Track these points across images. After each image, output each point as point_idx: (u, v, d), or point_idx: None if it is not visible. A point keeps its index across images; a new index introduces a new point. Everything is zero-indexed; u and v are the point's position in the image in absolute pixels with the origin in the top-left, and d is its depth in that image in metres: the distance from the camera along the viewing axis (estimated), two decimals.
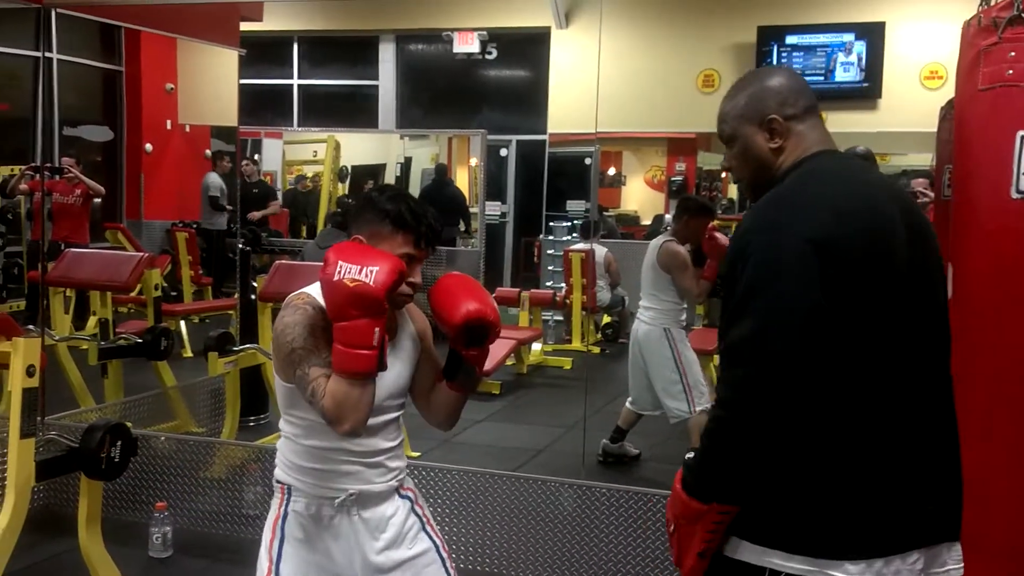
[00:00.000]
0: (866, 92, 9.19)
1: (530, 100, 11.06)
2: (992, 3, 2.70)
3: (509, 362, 7.84)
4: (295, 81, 11.94)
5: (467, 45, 11.02)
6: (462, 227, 10.22)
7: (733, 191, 11.80)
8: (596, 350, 9.14)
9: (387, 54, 11.68)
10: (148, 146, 10.80)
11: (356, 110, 12.00)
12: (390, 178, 11.56)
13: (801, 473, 1.74)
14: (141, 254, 6.76)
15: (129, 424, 3.94)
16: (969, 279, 2.65)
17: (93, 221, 8.96)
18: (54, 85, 8.90)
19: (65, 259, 6.22)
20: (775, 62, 9.59)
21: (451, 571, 2.34)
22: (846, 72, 9.43)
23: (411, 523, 2.31)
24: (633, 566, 4.00)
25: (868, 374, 1.73)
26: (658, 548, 3.96)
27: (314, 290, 2.16)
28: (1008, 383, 2.58)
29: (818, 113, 1.95)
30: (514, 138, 11.23)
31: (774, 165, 1.91)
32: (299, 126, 11.91)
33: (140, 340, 5.56)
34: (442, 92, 11.61)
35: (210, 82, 10.24)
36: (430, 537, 2.34)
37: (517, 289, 9.23)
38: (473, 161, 11.24)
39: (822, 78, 9.52)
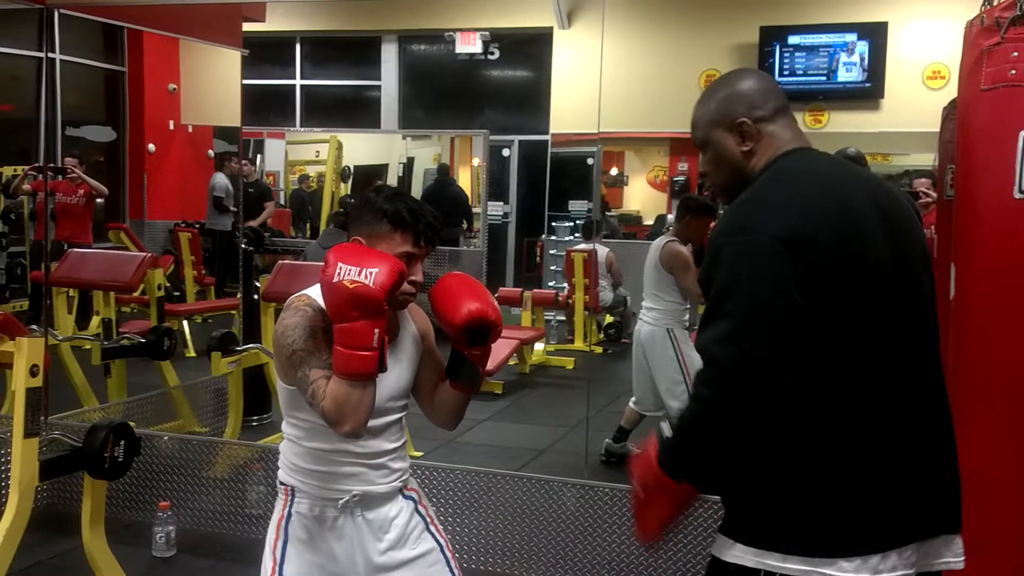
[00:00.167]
0: (868, 92, 9.20)
1: (532, 100, 11.07)
2: (995, 3, 2.70)
3: (512, 362, 7.85)
4: (298, 81, 11.96)
5: (469, 45, 11.04)
6: (465, 227, 10.22)
7: None
8: (599, 350, 9.15)
9: (390, 54, 11.70)
10: (151, 146, 10.80)
11: (359, 110, 12.02)
12: (392, 178, 11.57)
13: (791, 472, 1.74)
14: (144, 254, 6.77)
15: (132, 424, 3.93)
16: (972, 279, 2.65)
17: (96, 221, 8.97)
18: (57, 86, 8.92)
19: (68, 259, 6.23)
20: (777, 62, 9.61)
21: (455, 571, 2.34)
22: (848, 72, 9.44)
23: (415, 523, 2.31)
24: (635, 566, 4.00)
25: (852, 370, 1.73)
26: (662, 547, 3.96)
27: (314, 292, 2.16)
28: (1011, 381, 2.58)
29: (789, 112, 1.95)
30: (516, 138, 11.24)
31: (746, 168, 1.92)
32: (302, 126, 11.93)
33: (143, 340, 5.57)
34: (444, 92, 11.62)
35: (213, 82, 10.25)
36: (434, 537, 2.34)
37: (520, 289, 9.24)
38: (475, 161, 11.26)
39: (824, 78, 9.54)
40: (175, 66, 10.93)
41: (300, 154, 11.94)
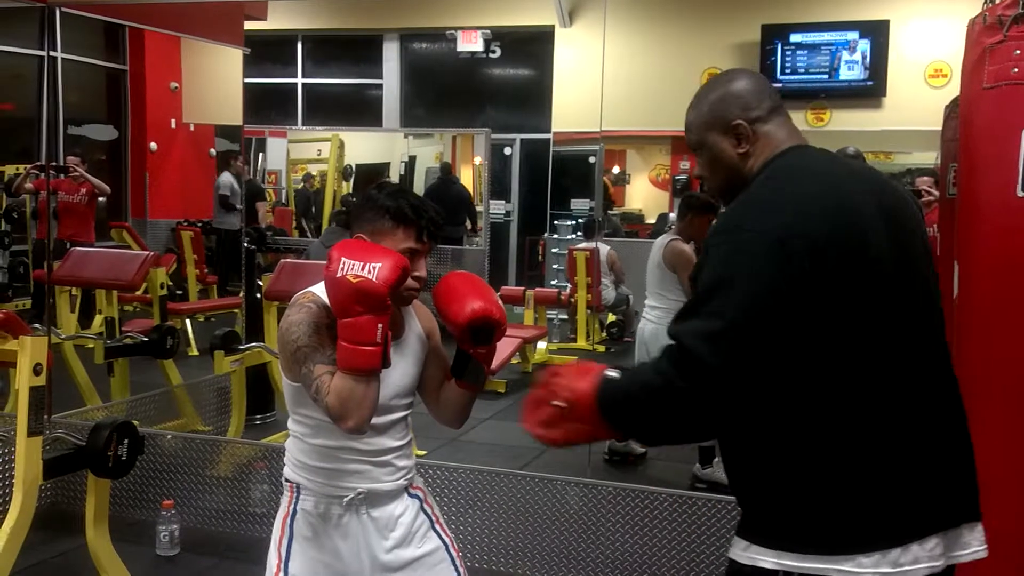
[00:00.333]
0: (870, 90, 9.20)
1: (534, 99, 11.07)
2: (997, 1, 2.70)
3: (514, 360, 7.84)
4: (299, 80, 11.96)
5: (471, 44, 11.04)
6: (468, 226, 10.21)
7: None
8: (601, 349, 9.14)
9: (391, 53, 11.70)
10: (153, 145, 10.82)
11: (360, 109, 12.02)
12: (394, 177, 11.57)
13: (804, 471, 1.74)
14: (146, 253, 6.78)
15: (136, 422, 3.94)
16: (975, 277, 2.65)
17: (98, 220, 8.98)
18: (59, 84, 8.93)
19: (71, 258, 6.23)
20: (779, 61, 9.61)
21: (461, 570, 2.35)
22: (850, 70, 9.43)
23: (420, 522, 2.31)
24: (639, 564, 4.01)
25: (860, 366, 1.73)
26: (664, 546, 3.97)
27: (319, 289, 2.17)
28: (1014, 379, 2.58)
29: (784, 110, 1.94)
30: (518, 137, 11.24)
31: (743, 169, 1.91)
32: (303, 125, 11.94)
33: (146, 339, 5.58)
34: (446, 91, 11.62)
35: (214, 81, 10.27)
36: (439, 536, 2.34)
37: (522, 288, 9.24)
38: (477, 160, 11.25)
39: (826, 76, 9.53)
40: (177, 64, 10.95)
41: (302, 153, 11.94)
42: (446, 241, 9.20)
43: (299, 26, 11.66)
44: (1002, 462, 2.55)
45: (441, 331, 2.40)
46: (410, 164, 11.69)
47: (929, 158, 7.53)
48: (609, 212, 11.29)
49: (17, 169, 8.97)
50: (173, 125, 11.07)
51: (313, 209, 11.59)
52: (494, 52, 11.19)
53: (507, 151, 11.29)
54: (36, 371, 3.50)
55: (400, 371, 2.24)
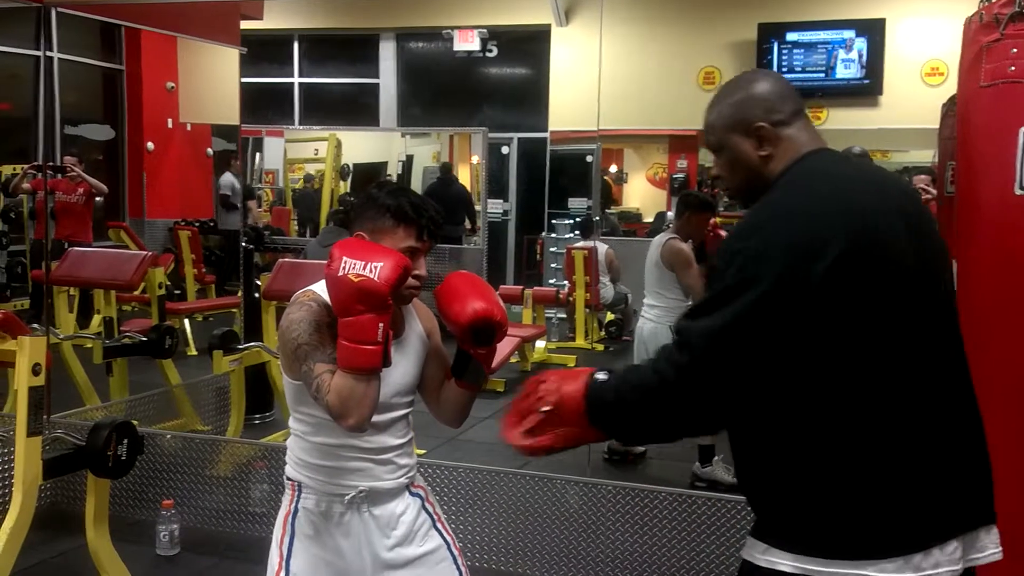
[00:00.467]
0: (867, 89, 9.21)
1: (531, 98, 11.07)
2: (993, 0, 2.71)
3: (513, 359, 7.84)
4: (296, 79, 11.95)
5: (467, 43, 11.04)
6: (468, 225, 10.21)
7: None
8: (600, 348, 9.15)
9: (388, 52, 11.69)
10: (150, 145, 10.81)
11: (357, 108, 12.01)
12: (391, 176, 11.57)
13: (827, 475, 1.74)
14: (144, 252, 6.78)
15: (135, 422, 3.95)
16: (972, 275, 2.66)
17: (96, 220, 8.97)
18: (55, 84, 8.91)
19: (68, 258, 6.23)
20: (776, 59, 9.61)
21: (462, 568, 2.36)
22: (847, 69, 9.44)
23: (422, 520, 2.32)
24: (639, 563, 4.01)
25: (881, 369, 1.72)
26: (664, 545, 3.97)
27: (320, 287, 2.18)
28: (1012, 377, 2.59)
29: (805, 113, 1.93)
30: (515, 136, 11.24)
31: (764, 172, 1.90)
32: (300, 124, 11.93)
33: (144, 338, 5.58)
34: (443, 90, 11.62)
35: (211, 81, 10.26)
36: (441, 534, 2.35)
37: (520, 287, 9.24)
38: (475, 159, 11.26)
39: (823, 75, 9.54)
40: (173, 64, 10.94)
41: (299, 152, 11.93)
42: (445, 240, 9.20)
43: (295, 26, 11.65)
44: (1000, 459, 2.55)
45: (440, 330, 2.41)
46: (407, 163, 11.69)
47: (926, 156, 7.54)
48: (607, 211, 11.29)
49: (14, 169, 8.96)
50: (170, 125, 11.05)
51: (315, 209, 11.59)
52: (491, 51, 11.19)
53: (504, 150, 11.29)
54: (35, 371, 3.50)
55: (401, 369, 2.24)
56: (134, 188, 10.75)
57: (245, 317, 6.46)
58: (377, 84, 11.72)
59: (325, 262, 2.05)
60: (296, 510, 2.26)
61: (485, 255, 9.19)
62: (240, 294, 7.09)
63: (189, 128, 11.21)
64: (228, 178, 10.43)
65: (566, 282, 9.27)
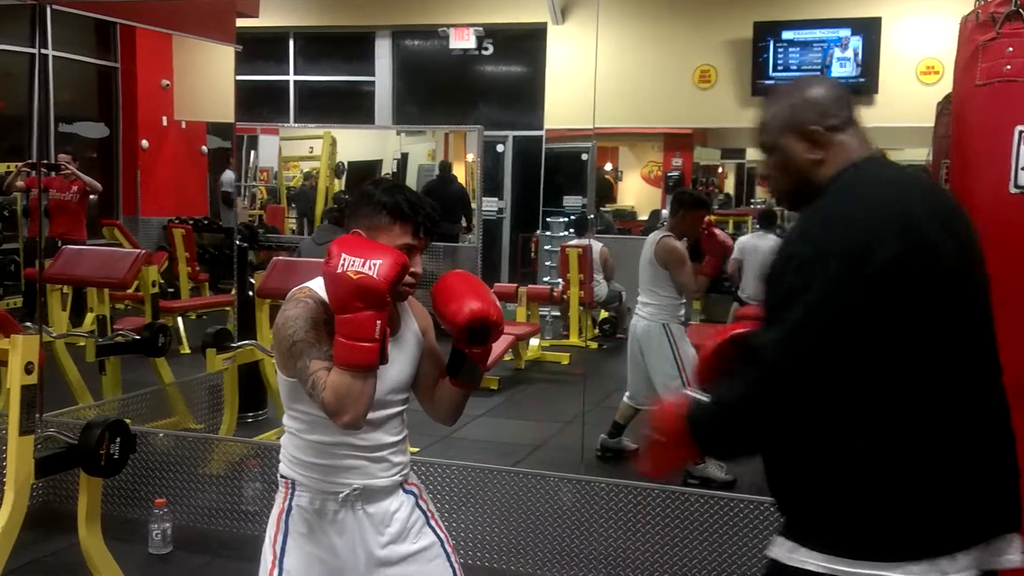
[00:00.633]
0: (862, 87, 9.20)
1: (526, 96, 11.07)
2: None
3: (507, 357, 7.85)
4: (291, 77, 11.93)
5: (463, 41, 11.03)
6: (464, 223, 10.21)
7: (730, 186, 11.82)
8: (594, 345, 9.16)
9: (383, 50, 11.68)
10: (144, 142, 10.81)
11: (352, 106, 12.00)
12: (386, 174, 11.57)
13: (861, 476, 1.75)
14: (138, 250, 6.77)
15: (128, 421, 3.94)
16: None
17: (90, 218, 8.97)
18: (50, 82, 8.91)
19: (62, 256, 6.22)
20: (771, 58, 9.62)
21: (455, 565, 2.35)
22: (842, 67, 9.45)
23: (415, 517, 2.31)
24: (632, 560, 4.01)
25: (923, 374, 1.74)
26: (657, 542, 3.97)
27: (316, 284, 2.17)
28: (1007, 377, 2.58)
29: (858, 122, 1.94)
30: (511, 134, 11.23)
31: (815, 176, 1.90)
32: (295, 122, 11.91)
33: (138, 337, 5.57)
34: (438, 88, 11.61)
35: (206, 78, 10.26)
36: (435, 531, 2.34)
37: (515, 284, 9.24)
38: (470, 157, 11.25)
39: (818, 73, 9.53)
40: (168, 62, 10.94)
41: (294, 150, 11.93)
42: (443, 238, 9.21)
43: (291, 23, 11.63)
44: None
45: (435, 328, 2.41)
46: (402, 161, 11.69)
47: (921, 154, 7.54)
48: (601, 209, 11.30)
49: (8, 167, 8.94)
50: (165, 123, 11.06)
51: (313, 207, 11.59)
52: (486, 49, 11.18)
53: (500, 148, 11.28)
54: (28, 370, 3.49)
55: (397, 367, 2.24)
56: (128, 186, 10.75)
57: (239, 315, 6.45)
58: (372, 82, 11.71)
59: (319, 260, 2.05)
60: (290, 508, 2.25)
61: (480, 253, 9.18)
62: (234, 292, 7.08)
63: (184, 126, 11.22)
64: (229, 175, 10.44)
65: (560, 280, 9.28)
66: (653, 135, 11.25)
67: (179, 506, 4.52)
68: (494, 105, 11.35)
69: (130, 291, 7.19)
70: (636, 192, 11.83)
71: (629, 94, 9.61)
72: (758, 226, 8.80)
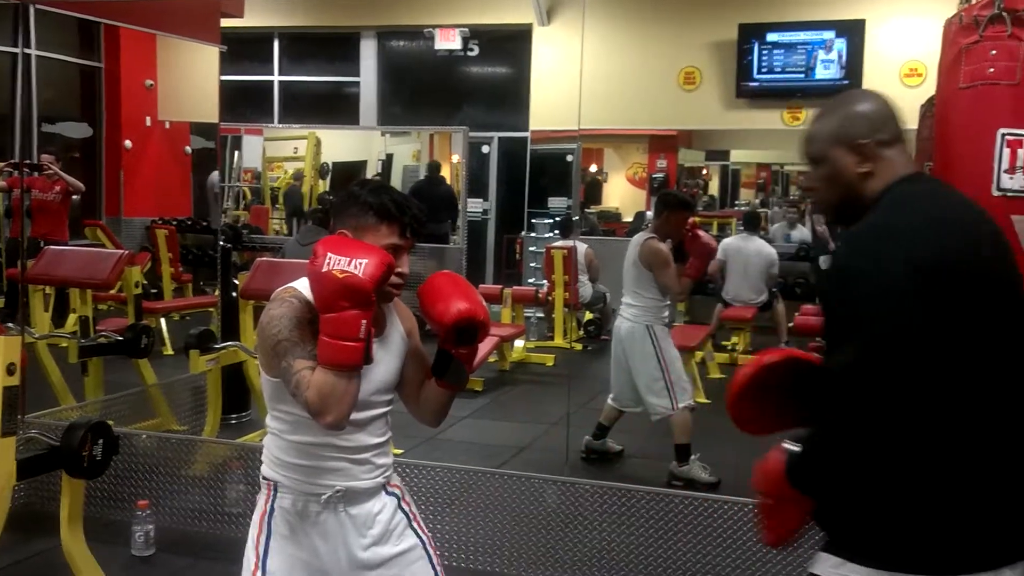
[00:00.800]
0: (846, 89, 9.23)
1: (512, 97, 11.07)
2: (973, 1, 2.72)
3: (492, 359, 7.85)
4: (276, 77, 11.90)
5: (449, 42, 11.02)
6: (451, 224, 10.18)
7: (714, 188, 11.85)
8: (578, 347, 9.17)
9: (368, 51, 11.67)
10: (127, 143, 10.75)
11: (337, 107, 11.98)
12: (371, 175, 11.53)
13: (910, 491, 1.75)
14: (121, 251, 6.73)
15: (110, 422, 3.92)
16: None
17: (72, 218, 8.91)
18: (32, 81, 8.85)
19: (44, 256, 6.18)
20: (756, 60, 9.66)
21: (438, 567, 2.35)
22: (826, 69, 9.49)
23: (398, 520, 2.31)
24: (617, 561, 4.01)
25: (968, 391, 1.74)
26: (641, 543, 3.97)
27: (300, 284, 2.17)
28: None
29: (904, 139, 1.95)
30: (496, 135, 11.23)
31: (862, 190, 1.90)
32: (280, 123, 11.88)
33: (120, 338, 5.54)
34: (424, 89, 11.60)
35: (190, 78, 10.21)
36: (417, 534, 2.34)
37: (499, 286, 9.24)
38: (455, 158, 11.24)
39: (802, 75, 9.59)
40: (152, 62, 10.88)
41: (278, 150, 11.88)
42: (431, 239, 9.20)
43: (276, 23, 11.60)
44: None
45: (420, 329, 2.40)
46: (387, 162, 11.65)
47: None
48: (586, 210, 11.31)
49: None
50: (148, 123, 11.00)
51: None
52: (472, 50, 11.18)
53: (485, 149, 11.28)
54: (9, 371, 3.47)
55: (382, 368, 2.23)
56: (111, 186, 10.69)
57: (222, 316, 6.42)
58: (357, 82, 11.70)
59: (304, 261, 2.04)
60: (272, 509, 2.24)
61: (465, 254, 9.18)
62: (217, 293, 7.05)
63: (168, 126, 11.16)
64: (218, 176, 10.42)
65: (545, 281, 9.28)
66: (638, 137, 11.26)
67: (162, 508, 4.50)
68: (479, 106, 11.35)
69: (113, 292, 7.15)
70: (621, 194, 11.85)
71: (614, 96, 9.63)
72: (742, 228, 8.82)
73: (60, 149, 9.67)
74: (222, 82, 7.69)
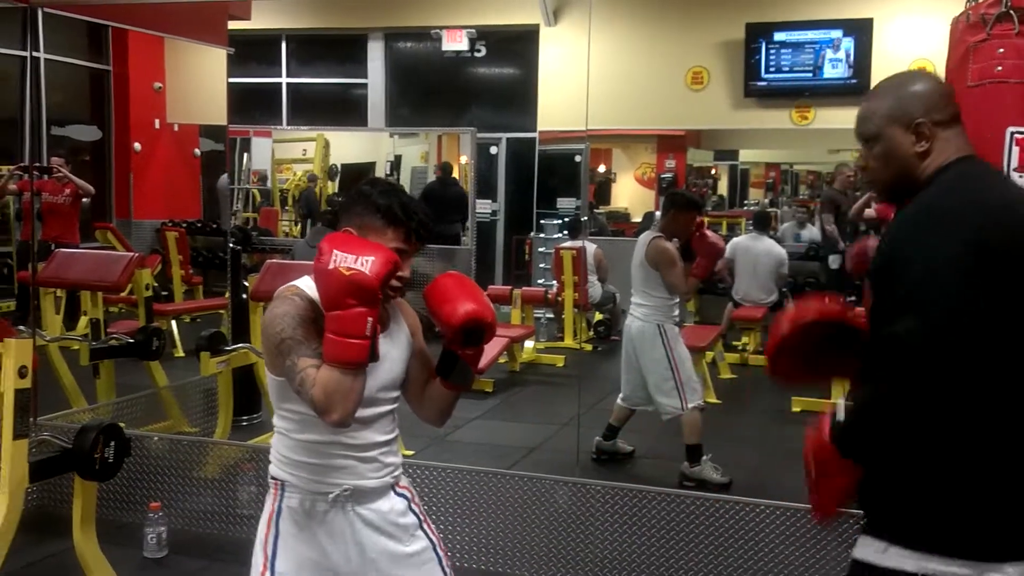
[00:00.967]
0: (854, 88, 9.23)
1: (519, 98, 11.07)
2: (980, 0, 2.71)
3: (502, 360, 7.84)
4: (284, 80, 11.93)
5: (456, 43, 11.03)
6: (464, 225, 10.18)
7: (724, 188, 11.84)
8: (588, 347, 9.16)
9: (376, 52, 11.68)
10: (137, 145, 10.78)
11: (345, 108, 12.00)
12: (380, 176, 11.56)
13: (959, 475, 1.74)
14: (131, 254, 6.74)
15: (122, 424, 3.93)
16: None
17: (83, 221, 8.94)
18: (41, 85, 8.87)
19: (55, 259, 6.20)
20: (763, 59, 9.64)
21: (447, 570, 2.35)
22: (834, 69, 9.47)
23: (408, 521, 2.31)
24: (627, 563, 4.01)
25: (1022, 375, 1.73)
26: (652, 544, 3.97)
27: (304, 283, 2.18)
28: None
29: (961, 122, 1.95)
30: (504, 136, 11.24)
31: (917, 169, 1.90)
32: (288, 125, 11.91)
33: (132, 340, 5.55)
34: (431, 90, 11.61)
35: (198, 81, 10.23)
36: (427, 535, 2.34)
37: (509, 287, 9.24)
38: (463, 159, 11.25)
39: (811, 75, 9.57)
40: (160, 64, 10.90)
41: (287, 152, 11.91)
42: (443, 240, 9.22)
43: (283, 25, 11.63)
44: None
45: (424, 329, 2.41)
46: (395, 163, 11.67)
47: None
48: (595, 211, 11.30)
49: (0, 170, 8.90)
50: (157, 125, 11.02)
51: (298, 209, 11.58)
52: (479, 51, 11.19)
53: (493, 150, 11.28)
54: (21, 374, 3.48)
55: (387, 365, 2.24)
56: (121, 189, 10.72)
57: (233, 318, 6.44)
58: (365, 84, 11.71)
59: (313, 263, 2.05)
60: (280, 509, 2.24)
61: (474, 255, 9.18)
62: (227, 295, 7.07)
63: (176, 129, 11.18)
64: (227, 179, 10.44)
65: (554, 282, 9.28)
66: (646, 137, 11.26)
67: (174, 510, 4.52)
68: (487, 107, 11.36)
69: (124, 294, 7.18)
70: (630, 194, 11.84)
71: (622, 96, 9.62)
72: (752, 228, 8.82)
73: (69, 152, 9.70)
74: (230, 84, 7.70)
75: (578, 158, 10.66)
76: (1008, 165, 2.57)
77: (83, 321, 7.19)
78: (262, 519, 2.28)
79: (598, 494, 4.12)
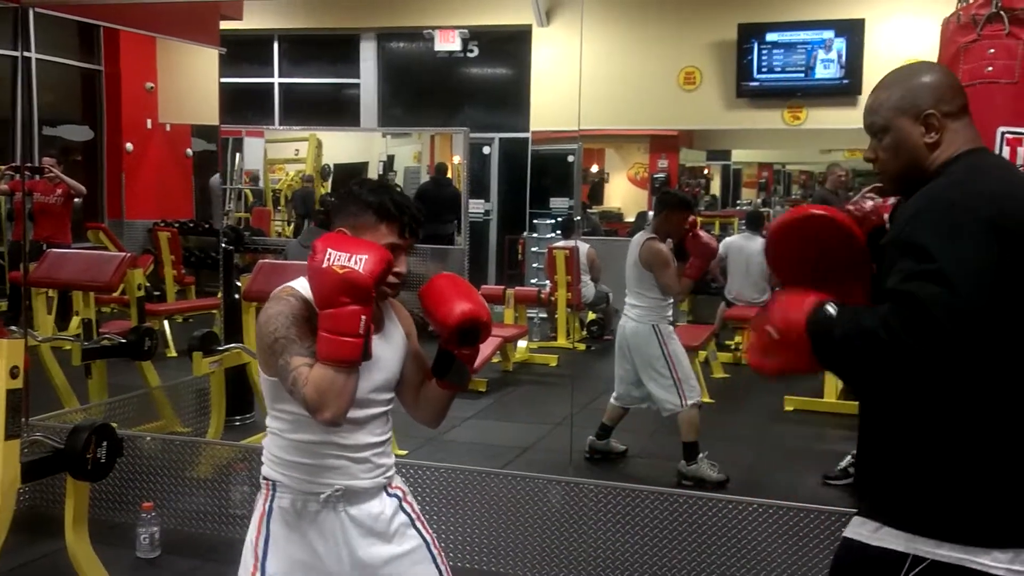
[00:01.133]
0: (846, 89, 9.25)
1: (512, 98, 11.08)
2: (971, 0, 2.73)
3: (495, 359, 7.85)
4: (276, 80, 11.92)
5: (448, 43, 11.03)
6: (457, 225, 10.18)
7: (716, 187, 11.86)
8: (581, 347, 9.17)
9: (368, 52, 11.67)
10: (128, 145, 10.77)
11: (338, 108, 11.99)
12: (372, 176, 11.54)
13: (954, 459, 1.74)
14: (123, 254, 6.74)
15: (114, 424, 3.93)
16: None
17: (74, 221, 8.93)
18: (33, 85, 8.86)
19: (47, 259, 6.19)
20: (755, 60, 9.66)
21: (442, 567, 2.35)
22: (826, 69, 9.49)
23: (399, 520, 2.30)
24: (622, 563, 4.01)
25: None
26: (646, 543, 3.98)
27: (298, 283, 2.19)
28: None
29: (970, 114, 1.95)
30: (497, 136, 11.23)
31: (927, 160, 1.91)
32: (280, 125, 11.89)
33: (124, 340, 5.55)
34: (424, 90, 11.61)
35: (190, 81, 10.22)
36: (420, 534, 2.34)
37: (502, 287, 9.24)
38: (456, 159, 11.25)
39: (802, 75, 9.59)
40: (152, 64, 10.89)
41: (279, 152, 11.90)
42: (437, 240, 9.21)
43: (275, 26, 11.61)
44: None
45: (419, 330, 2.41)
46: (388, 163, 11.67)
47: None
48: (588, 210, 11.31)
49: None
50: (149, 125, 11.02)
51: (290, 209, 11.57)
52: (472, 51, 11.19)
53: (486, 150, 11.28)
54: (13, 374, 3.47)
55: (381, 366, 2.24)
56: (113, 189, 10.71)
57: (225, 318, 6.43)
58: (358, 84, 11.71)
59: (306, 263, 2.05)
60: (271, 510, 2.24)
61: (467, 255, 9.18)
62: (220, 295, 7.06)
63: (168, 129, 11.18)
64: (219, 178, 10.45)
65: (547, 282, 9.28)
66: (639, 137, 11.27)
67: (167, 510, 4.51)
68: (480, 107, 11.36)
69: (116, 294, 7.17)
70: (623, 194, 11.85)
71: (614, 96, 9.63)
72: (744, 227, 8.83)
73: (61, 152, 9.70)
74: (222, 84, 7.70)
75: (571, 158, 10.66)
76: None
77: (75, 321, 7.17)
78: (252, 520, 2.28)
79: (591, 493, 4.12)
